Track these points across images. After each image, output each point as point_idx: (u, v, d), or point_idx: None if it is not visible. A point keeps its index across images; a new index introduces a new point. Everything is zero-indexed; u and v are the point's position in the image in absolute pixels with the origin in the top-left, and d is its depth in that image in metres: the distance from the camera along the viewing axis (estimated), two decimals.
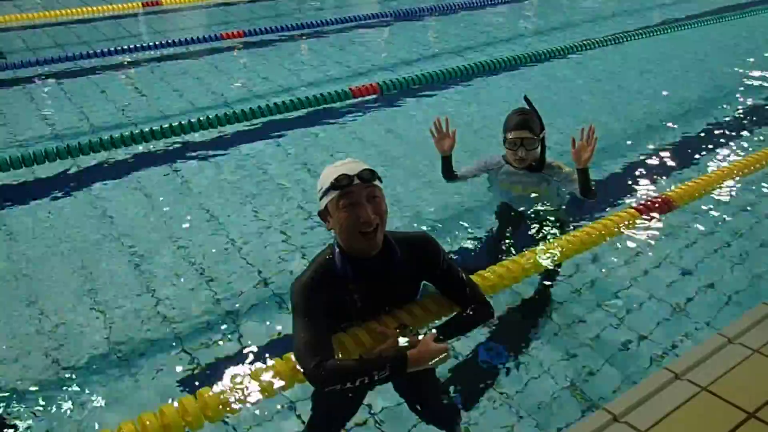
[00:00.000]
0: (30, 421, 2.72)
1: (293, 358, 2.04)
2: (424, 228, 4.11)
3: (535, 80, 7.18)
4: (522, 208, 3.58)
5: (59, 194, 4.72)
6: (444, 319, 2.20)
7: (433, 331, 2.05)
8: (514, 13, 11.19)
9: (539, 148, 3.37)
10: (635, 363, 3.05)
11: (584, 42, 8.05)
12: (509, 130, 3.32)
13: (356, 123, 6.06)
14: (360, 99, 6.28)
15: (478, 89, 6.91)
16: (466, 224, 4.27)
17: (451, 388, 2.91)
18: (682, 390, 2.24)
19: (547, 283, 3.60)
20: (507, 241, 3.69)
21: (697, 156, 5.23)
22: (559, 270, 3.57)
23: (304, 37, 9.19)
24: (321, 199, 2.02)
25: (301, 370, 1.92)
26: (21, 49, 8.51)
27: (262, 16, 10.53)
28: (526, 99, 3.44)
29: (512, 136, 3.29)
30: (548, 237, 3.41)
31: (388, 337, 2.01)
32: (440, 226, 4.24)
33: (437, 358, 1.96)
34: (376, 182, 2.00)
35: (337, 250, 2.05)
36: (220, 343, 3.22)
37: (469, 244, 4.02)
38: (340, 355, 2.05)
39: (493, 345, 3.20)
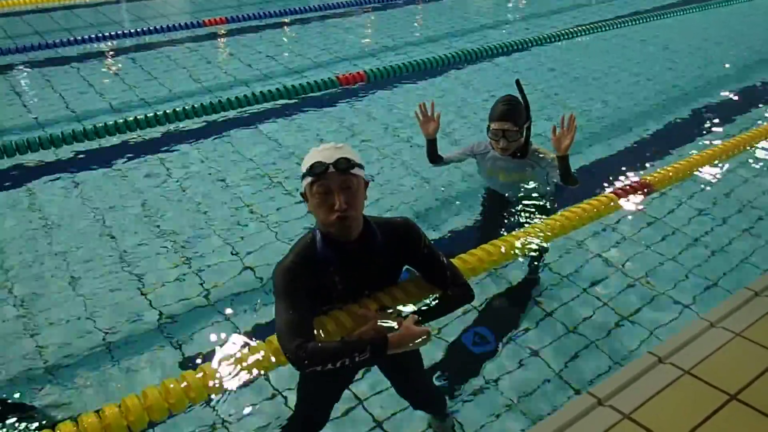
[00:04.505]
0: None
1: (275, 340, 2.05)
2: (411, 214, 4.12)
3: (521, 68, 7.18)
4: (508, 194, 3.59)
5: (41, 184, 4.65)
6: (425, 301, 2.22)
7: (412, 314, 2.06)
8: (503, 0, 11.15)
9: (523, 136, 3.37)
10: (619, 347, 3.09)
11: (571, 30, 8.06)
12: (493, 120, 3.33)
13: (343, 111, 6.03)
14: (347, 87, 6.24)
15: (466, 77, 6.90)
16: (452, 211, 4.29)
17: (438, 374, 2.93)
18: (665, 373, 2.27)
19: (532, 268, 3.63)
20: (493, 226, 3.70)
21: (680, 141, 5.28)
22: (543, 255, 3.59)
23: (288, 24, 9.10)
24: (302, 181, 2.02)
25: (283, 352, 1.93)
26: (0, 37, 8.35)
27: (246, 2, 10.40)
28: (517, 83, 3.44)
29: (495, 126, 3.31)
30: (531, 222, 3.43)
31: (369, 320, 2.02)
32: (426, 212, 4.25)
33: (418, 341, 1.97)
34: (354, 170, 1.98)
35: (319, 234, 2.05)
36: (204, 328, 3.23)
37: (455, 231, 4.04)
38: (323, 337, 2.07)
39: (479, 331, 3.22)
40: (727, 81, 6.83)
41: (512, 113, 3.28)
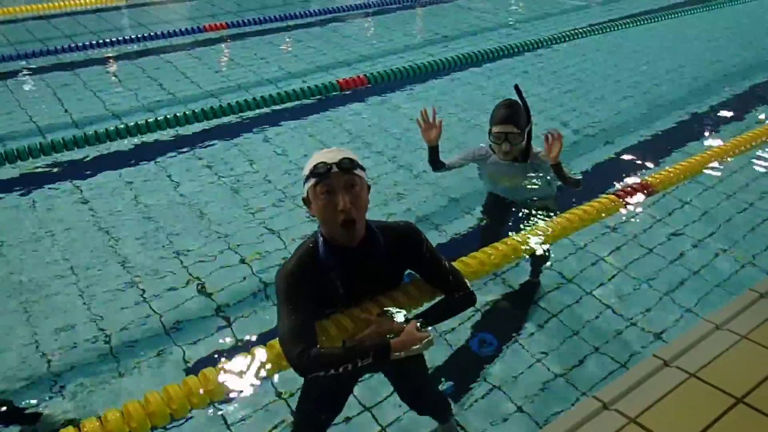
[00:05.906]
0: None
1: (277, 345, 2.05)
2: (413, 218, 4.11)
3: (523, 70, 7.18)
4: (510, 198, 3.58)
5: (43, 191, 4.65)
6: (427, 305, 2.21)
7: (414, 319, 2.05)
8: (503, 3, 11.16)
9: (525, 140, 3.36)
10: (624, 350, 3.07)
11: (572, 32, 8.05)
12: (494, 124, 3.32)
13: (344, 115, 6.03)
14: (348, 91, 6.23)
15: (467, 79, 6.90)
16: (454, 214, 4.27)
17: (442, 378, 2.92)
18: (671, 377, 2.25)
19: (536, 271, 3.61)
20: (495, 229, 3.69)
21: (682, 142, 5.26)
22: (547, 258, 3.58)
23: (289, 29, 9.11)
24: (304, 185, 2.01)
25: (286, 358, 1.92)
26: (2, 44, 8.36)
27: (246, 8, 10.42)
28: (516, 88, 3.43)
29: (497, 130, 3.30)
30: (533, 224, 3.41)
31: (371, 324, 2.01)
32: (428, 216, 4.24)
33: (420, 345, 1.96)
34: (357, 171, 1.98)
35: (321, 238, 2.04)
36: (206, 333, 3.23)
37: (458, 236, 4.02)
38: (325, 341, 2.06)
39: (483, 335, 3.21)
40: (729, 81, 6.81)
41: (514, 116, 3.27)
